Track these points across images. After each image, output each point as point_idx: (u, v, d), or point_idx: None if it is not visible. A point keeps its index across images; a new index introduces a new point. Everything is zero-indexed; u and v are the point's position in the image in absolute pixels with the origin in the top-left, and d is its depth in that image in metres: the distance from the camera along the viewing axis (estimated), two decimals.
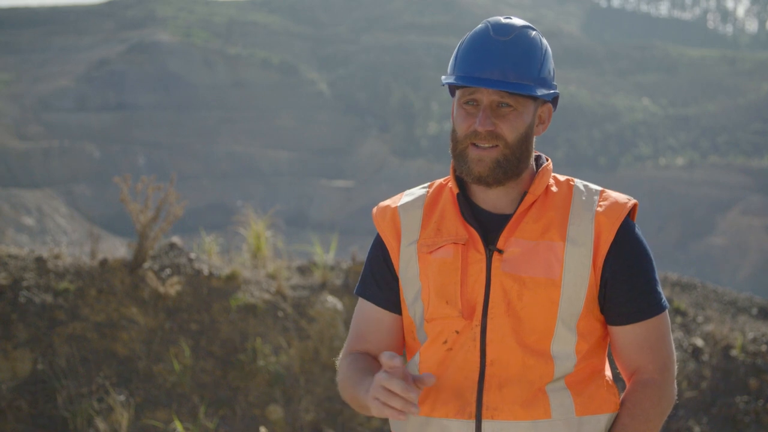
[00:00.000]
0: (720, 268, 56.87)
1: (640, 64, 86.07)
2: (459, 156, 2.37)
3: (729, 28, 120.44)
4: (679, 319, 8.49)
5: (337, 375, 2.53)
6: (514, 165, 2.35)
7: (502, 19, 2.40)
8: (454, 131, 2.38)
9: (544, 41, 2.41)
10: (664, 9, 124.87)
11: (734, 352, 7.90)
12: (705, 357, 7.88)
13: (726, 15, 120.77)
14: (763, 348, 7.93)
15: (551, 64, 2.41)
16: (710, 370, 7.78)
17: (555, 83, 2.42)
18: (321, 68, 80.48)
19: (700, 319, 8.58)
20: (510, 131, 2.33)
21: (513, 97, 2.32)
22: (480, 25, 2.40)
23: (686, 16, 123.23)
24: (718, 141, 70.20)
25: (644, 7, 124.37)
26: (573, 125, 72.06)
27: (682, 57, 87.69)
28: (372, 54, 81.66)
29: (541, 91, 2.34)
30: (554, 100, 2.45)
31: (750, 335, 8.20)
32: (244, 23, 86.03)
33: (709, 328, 8.26)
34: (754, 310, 9.56)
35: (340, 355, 2.55)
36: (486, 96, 2.33)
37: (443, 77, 2.40)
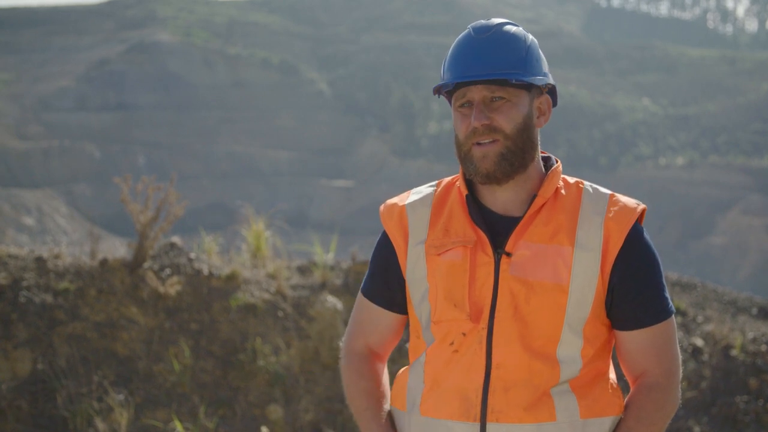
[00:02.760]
0: (720, 267, 56.87)
1: (640, 64, 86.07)
2: (465, 158, 2.37)
3: (729, 28, 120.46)
4: (679, 319, 8.49)
5: (341, 374, 2.57)
6: (519, 156, 2.34)
7: (483, 21, 2.42)
8: (456, 136, 2.39)
9: (530, 35, 2.41)
10: (664, 9, 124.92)
11: (734, 352, 7.90)
12: (705, 357, 7.88)
13: (726, 15, 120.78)
14: (763, 348, 7.93)
15: (538, 54, 2.40)
16: (710, 369, 7.78)
17: (548, 74, 2.41)
18: (321, 68, 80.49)
19: (700, 318, 8.58)
20: (507, 122, 2.33)
21: (504, 89, 2.33)
22: (463, 32, 2.42)
23: (686, 15, 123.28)
24: (718, 141, 70.21)
25: (644, 7, 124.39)
26: (573, 125, 72.06)
27: (682, 57, 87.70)
28: (372, 54, 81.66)
29: (529, 77, 2.33)
30: (553, 94, 2.45)
31: (750, 335, 8.20)
32: (244, 23, 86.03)
33: (709, 327, 8.26)
34: (754, 310, 9.56)
35: (342, 350, 2.58)
36: (477, 93, 2.33)
37: (435, 86, 2.42)
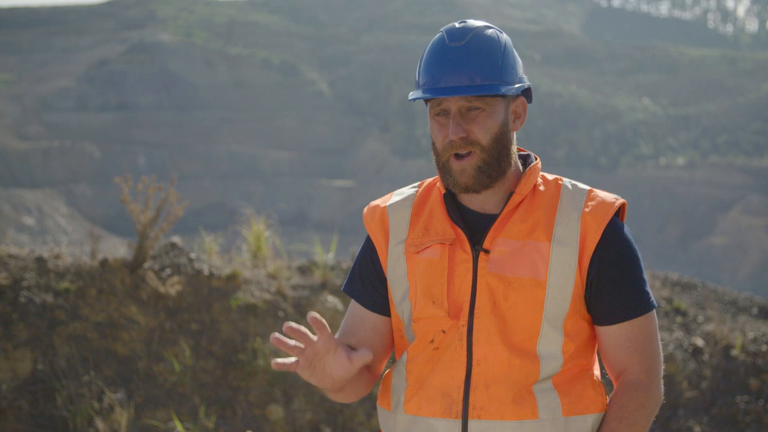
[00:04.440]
0: (720, 267, 56.85)
1: (641, 64, 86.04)
2: (443, 169, 2.38)
3: (729, 28, 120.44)
4: (679, 319, 8.49)
5: None
6: (496, 166, 2.35)
7: (457, 25, 2.39)
8: (433, 144, 2.40)
9: (503, 37, 2.40)
10: (664, 9, 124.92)
11: (734, 352, 7.90)
12: (705, 357, 7.88)
13: (726, 15, 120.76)
14: (764, 348, 7.93)
15: (513, 58, 2.39)
16: (710, 370, 7.78)
17: (523, 75, 2.41)
18: (321, 68, 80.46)
19: (700, 318, 8.58)
20: (483, 134, 2.33)
21: (480, 98, 2.33)
22: (437, 35, 2.40)
23: (686, 15, 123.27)
24: (719, 141, 70.17)
25: (645, 7, 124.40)
26: (573, 125, 72.03)
27: (682, 57, 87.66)
28: (372, 54, 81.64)
29: (505, 88, 2.33)
30: (528, 93, 2.45)
31: (750, 335, 8.21)
32: (244, 23, 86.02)
33: (710, 327, 8.26)
34: (755, 310, 9.56)
35: None
36: (453, 104, 2.34)
37: (410, 94, 2.41)
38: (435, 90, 2.33)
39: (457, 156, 2.35)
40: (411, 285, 2.41)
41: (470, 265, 2.35)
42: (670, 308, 8.64)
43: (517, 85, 2.36)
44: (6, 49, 75.46)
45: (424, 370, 2.37)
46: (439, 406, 2.34)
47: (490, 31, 2.38)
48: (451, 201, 2.42)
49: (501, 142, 2.36)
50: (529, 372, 2.31)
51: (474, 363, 2.32)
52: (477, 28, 2.38)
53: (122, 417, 6.01)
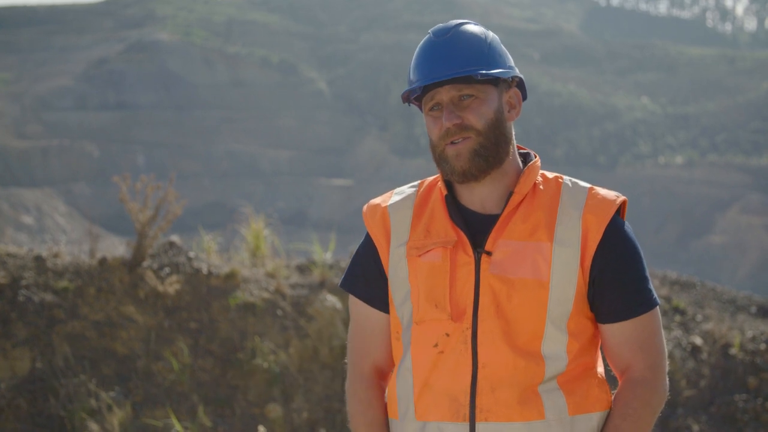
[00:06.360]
0: (719, 266, 56.86)
1: (640, 63, 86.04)
2: (440, 159, 2.38)
3: (728, 27, 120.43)
4: (678, 318, 8.49)
5: (347, 397, 2.53)
6: (493, 152, 2.35)
7: (442, 24, 2.43)
8: (431, 140, 2.40)
9: (490, 33, 2.42)
10: (663, 8, 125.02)
11: (733, 351, 7.90)
12: (704, 355, 7.88)
13: (725, 13, 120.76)
14: (762, 346, 7.93)
15: (501, 49, 2.40)
16: (709, 368, 7.79)
17: (513, 67, 2.41)
18: (321, 67, 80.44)
19: (699, 317, 8.58)
20: (477, 118, 2.33)
21: (471, 86, 2.33)
22: (424, 37, 2.43)
23: (685, 14, 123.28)
24: (718, 140, 70.18)
25: (643, 6, 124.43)
26: (572, 124, 72.04)
27: (681, 56, 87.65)
28: (372, 53, 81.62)
29: (493, 71, 2.34)
30: (522, 88, 2.45)
31: (749, 334, 8.21)
32: (243, 22, 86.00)
33: (708, 326, 8.26)
34: (753, 309, 9.56)
35: (349, 371, 2.55)
36: (445, 94, 2.34)
37: (402, 93, 2.42)
38: (424, 80, 2.34)
39: (453, 143, 2.34)
40: (413, 287, 2.39)
41: (472, 267, 2.34)
42: (669, 307, 8.64)
43: (502, 70, 2.37)
44: (5, 48, 75.42)
45: (431, 374, 2.36)
46: (447, 410, 2.34)
47: (475, 26, 2.41)
48: (452, 202, 2.41)
49: (497, 128, 2.35)
50: (534, 373, 2.31)
51: (480, 366, 2.32)
52: (461, 23, 2.40)
53: (121, 416, 6.00)
